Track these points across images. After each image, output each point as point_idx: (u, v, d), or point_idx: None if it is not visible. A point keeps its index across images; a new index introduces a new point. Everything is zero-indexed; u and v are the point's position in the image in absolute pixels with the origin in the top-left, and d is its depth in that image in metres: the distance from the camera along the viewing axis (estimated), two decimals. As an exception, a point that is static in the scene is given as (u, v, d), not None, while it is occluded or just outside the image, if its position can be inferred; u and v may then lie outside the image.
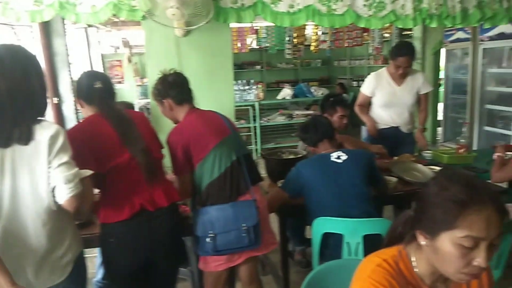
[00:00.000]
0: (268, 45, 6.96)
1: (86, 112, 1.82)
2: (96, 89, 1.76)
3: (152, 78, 2.41)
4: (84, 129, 1.73)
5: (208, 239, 1.88)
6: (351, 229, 1.94)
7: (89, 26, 6.16)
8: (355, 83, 8.63)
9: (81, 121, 1.90)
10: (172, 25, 2.68)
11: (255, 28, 6.95)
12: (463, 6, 3.11)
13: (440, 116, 5.87)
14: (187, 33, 2.80)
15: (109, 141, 1.70)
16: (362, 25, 3.02)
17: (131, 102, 3.95)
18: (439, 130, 5.95)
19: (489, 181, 2.50)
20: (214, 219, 1.89)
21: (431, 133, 6.42)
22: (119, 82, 7.52)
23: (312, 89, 7.02)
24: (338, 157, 2.16)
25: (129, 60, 7.16)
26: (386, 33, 7.08)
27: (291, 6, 2.81)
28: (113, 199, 1.72)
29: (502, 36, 4.48)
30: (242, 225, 1.88)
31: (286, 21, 2.84)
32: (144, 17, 2.61)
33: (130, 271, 1.77)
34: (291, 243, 2.95)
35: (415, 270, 1.05)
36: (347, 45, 7.37)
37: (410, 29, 6.56)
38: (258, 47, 7.59)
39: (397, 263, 1.05)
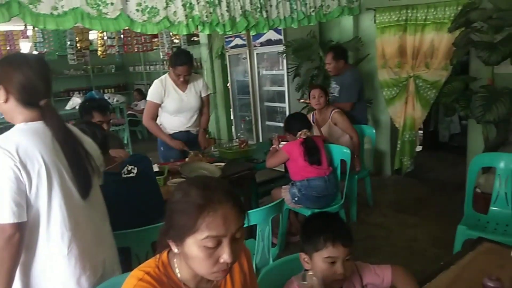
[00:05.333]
0: (46, 50, 6.20)
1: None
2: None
3: None
4: None
5: None
6: (139, 239, 1.87)
7: None
8: (152, 89, 8.60)
9: None
10: None
11: (27, 31, 6.11)
12: (231, 15, 3.43)
13: (232, 116, 6.40)
14: None
15: None
16: (138, 30, 3.00)
17: None
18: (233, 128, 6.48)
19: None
20: None
21: (226, 131, 6.96)
22: None
23: (106, 96, 6.68)
24: (130, 171, 2.02)
25: None
26: (176, 39, 7.28)
27: (55, 8, 2.57)
28: None
29: (270, 42, 5.15)
30: None
31: (51, 24, 2.58)
32: None
33: None
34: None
35: (178, 276, 1.06)
36: (137, 50, 7.26)
37: (197, 35, 6.92)
38: (37, 52, 6.70)
39: (159, 273, 1.03)
